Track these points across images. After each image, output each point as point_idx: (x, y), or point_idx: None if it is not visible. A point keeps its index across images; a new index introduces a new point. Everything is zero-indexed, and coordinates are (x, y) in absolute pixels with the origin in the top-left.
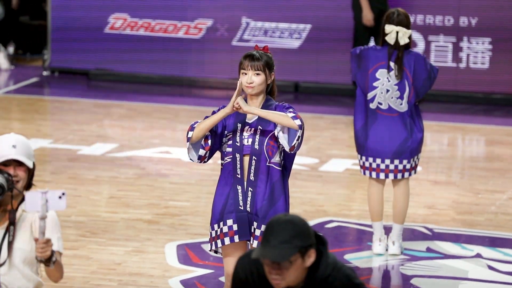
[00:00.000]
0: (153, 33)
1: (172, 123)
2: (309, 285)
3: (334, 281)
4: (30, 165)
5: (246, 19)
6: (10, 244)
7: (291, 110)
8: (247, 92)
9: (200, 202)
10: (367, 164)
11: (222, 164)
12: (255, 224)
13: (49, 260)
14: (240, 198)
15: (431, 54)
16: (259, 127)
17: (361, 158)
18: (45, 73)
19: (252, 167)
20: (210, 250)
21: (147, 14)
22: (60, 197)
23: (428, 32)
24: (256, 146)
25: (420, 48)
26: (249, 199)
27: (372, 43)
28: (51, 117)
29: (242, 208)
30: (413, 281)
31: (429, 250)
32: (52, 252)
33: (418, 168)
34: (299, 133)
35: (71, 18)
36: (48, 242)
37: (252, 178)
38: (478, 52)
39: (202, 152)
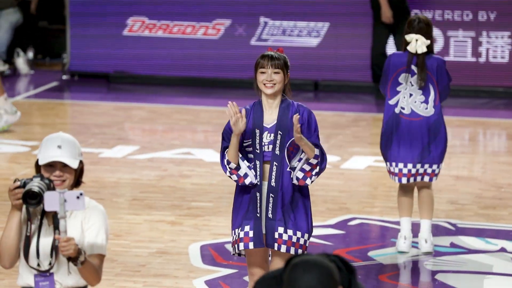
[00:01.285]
0: (171, 34)
1: (192, 124)
2: None
3: None
4: (75, 166)
5: (264, 18)
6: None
7: (318, 144)
8: (265, 92)
9: (222, 203)
10: (392, 169)
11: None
12: (280, 229)
13: (76, 260)
14: (258, 205)
15: (450, 49)
16: (279, 132)
17: (386, 164)
18: (64, 77)
19: (273, 173)
20: (233, 254)
21: (165, 16)
22: (78, 197)
23: (447, 27)
24: (277, 152)
25: (439, 43)
26: (270, 205)
27: (391, 41)
28: (72, 120)
29: (259, 215)
30: (438, 276)
31: (453, 245)
32: (80, 251)
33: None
34: (315, 170)
35: (90, 22)
36: (69, 240)
37: (273, 184)
38: (497, 46)
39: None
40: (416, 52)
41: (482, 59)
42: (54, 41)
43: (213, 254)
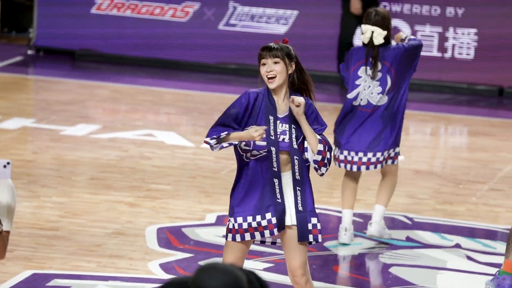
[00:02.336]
0: (139, 15)
1: (156, 106)
2: None
3: None
4: None
5: (233, 3)
6: None
7: (322, 133)
8: (269, 86)
9: (181, 186)
10: (341, 157)
11: (248, 157)
12: (313, 220)
13: None
14: (277, 191)
15: None
16: (293, 125)
17: (342, 152)
18: (30, 52)
19: (296, 166)
20: (232, 240)
21: None
22: (5, 166)
23: (414, 21)
24: (295, 145)
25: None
26: (299, 198)
27: (359, 32)
28: (35, 96)
29: (280, 201)
30: (392, 269)
31: (408, 239)
32: None
33: (400, 157)
34: (315, 158)
35: None
36: None
37: (298, 177)
38: (463, 43)
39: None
40: (371, 43)
41: (447, 55)
42: (22, 15)
43: (169, 238)
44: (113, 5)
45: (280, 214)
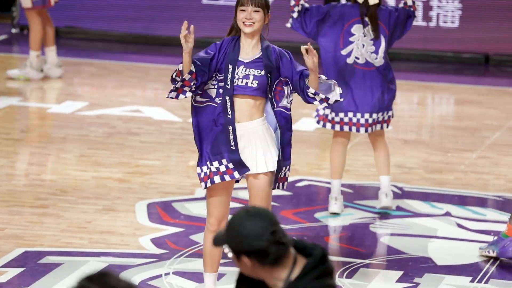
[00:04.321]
0: None
1: (142, 81)
2: None
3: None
4: None
5: None
6: None
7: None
8: (244, 30)
9: (171, 161)
10: (346, 120)
11: (203, 102)
12: (285, 168)
13: None
14: (231, 138)
15: None
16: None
17: (337, 115)
18: (14, 30)
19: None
20: (205, 188)
21: None
22: None
23: None
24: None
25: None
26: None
27: None
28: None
29: (233, 148)
30: (383, 239)
31: (398, 208)
32: None
33: (389, 127)
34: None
35: None
36: None
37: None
38: (448, 11)
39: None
40: (366, 3)
41: (432, 24)
42: None
43: (160, 213)
44: None
45: (238, 161)
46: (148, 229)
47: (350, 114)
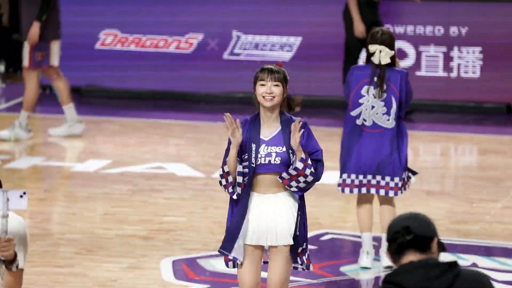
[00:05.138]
0: (144, 48)
1: (164, 138)
2: None
3: None
4: None
5: (236, 32)
6: None
7: (315, 154)
8: (264, 104)
9: (195, 217)
10: (348, 181)
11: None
12: (304, 244)
13: (12, 263)
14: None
15: (422, 64)
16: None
17: (341, 176)
18: None
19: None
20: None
21: (137, 29)
22: (21, 196)
23: (418, 42)
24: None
25: (410, 58)
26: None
27: (363, 55)
28: (44, 134)
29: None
30: None
31: None
32: (16, 255)
33: (412, 180)
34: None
35: (62, 35)
36: (10, 241)
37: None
38: (469, 61)
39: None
40: (380, 63)
41: (453, 74)
42: None
43: (185, 269)
44: (117, 40)
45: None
46: (173, 286)
47: (353, 176)
